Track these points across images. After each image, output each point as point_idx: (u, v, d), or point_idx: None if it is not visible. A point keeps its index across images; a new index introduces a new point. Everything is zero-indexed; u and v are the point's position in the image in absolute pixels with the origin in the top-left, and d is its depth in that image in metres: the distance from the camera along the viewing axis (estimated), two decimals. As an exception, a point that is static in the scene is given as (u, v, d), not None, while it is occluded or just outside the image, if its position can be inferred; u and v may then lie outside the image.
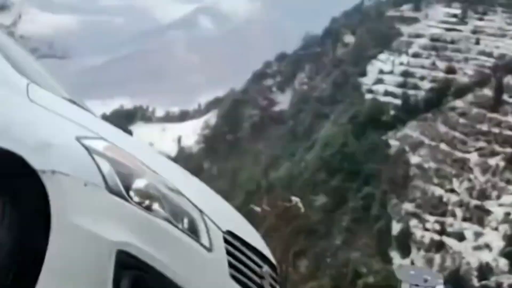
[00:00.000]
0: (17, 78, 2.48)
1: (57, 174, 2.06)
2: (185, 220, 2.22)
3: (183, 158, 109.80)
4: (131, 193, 2.11)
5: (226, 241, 2.30)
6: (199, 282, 2.17)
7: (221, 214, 2.47)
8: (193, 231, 2.21)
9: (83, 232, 2.02)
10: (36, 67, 3.06)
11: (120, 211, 2.08)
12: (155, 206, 2.15)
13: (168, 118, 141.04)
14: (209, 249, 2.22)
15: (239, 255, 2.36)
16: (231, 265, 2.28)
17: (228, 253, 2.29)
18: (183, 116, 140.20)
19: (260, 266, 2.50)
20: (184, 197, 2.24)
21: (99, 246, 2.02)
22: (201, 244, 2.20)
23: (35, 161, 2.07)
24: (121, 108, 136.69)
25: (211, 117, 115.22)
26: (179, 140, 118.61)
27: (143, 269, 2.06)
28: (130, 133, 2.85)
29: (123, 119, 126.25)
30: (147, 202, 2.13)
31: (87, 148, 2.13)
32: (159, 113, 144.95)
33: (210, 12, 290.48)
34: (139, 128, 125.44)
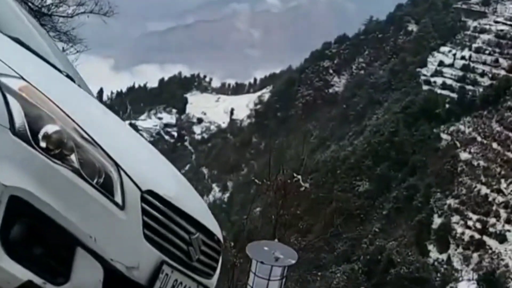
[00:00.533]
0: None
1: None
2: (99, 174, 2.08)
3: (234, 130, 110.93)
4: (39, 138, 1.98)
5: (145, 201, 2.18)
6: (106, 239, 2.05)
7: (151, 175, 2.34)
8: (106, 186, 2.08)
9: None
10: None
11: (21, 155, 1.95)
12: (67, 155, 2.01)
13: (224, 89, 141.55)
14: (121, 207, 2.10)
15: (160, 217, 2.24)
16: (147, 226, 2.18)
17: (146, 214, 2.18)
18: (238, 89, 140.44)
19: (190, 233, 2.40)
20: (101, 149, 2.10)
21: None
22: (112, 201, 2.09)
23: None
24: (178, 75, 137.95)
25: (265, 93, 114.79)
26: (231, 112, 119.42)
27: (40, 219, 1.93)
28: (72, 79, 2.70)
29: (180, 86, 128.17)
30: (56, 150, 1.99)
31: (0, 86, 2.00)
32: (215, 83, 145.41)
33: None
34: (194, 96, 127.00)
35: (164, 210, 2.29)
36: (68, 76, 2.73)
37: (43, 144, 1.99)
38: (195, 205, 2.66)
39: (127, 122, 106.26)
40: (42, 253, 1.95)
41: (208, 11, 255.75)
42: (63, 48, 12.45)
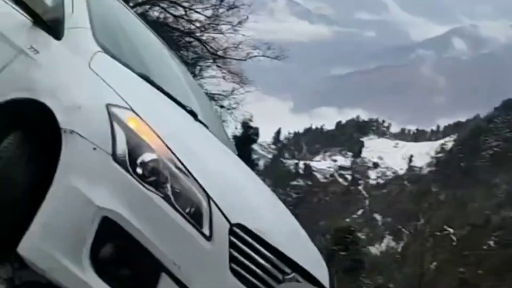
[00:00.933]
0: (90, 46, 2.61)
1: (74, 135, 2.17)
2: (191, 204, 2.19)
3: (412, 178, 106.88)
4: (137, 165, 2.14)
5: (233, 234, 2.24)
6: (191, 269, 2.14)
7: (245, 210, 2.41)
8: (195, 217, 2.17)
9: (76, 192, 2.08)
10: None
11: (118, 180, 2.11)
12: (162, 183, 2.15)
13: (403, 135, 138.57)
14: (208, 238, 2.18)
15: (248, 251, 2.28)
16: (234, 259, 2.23)
17: (234, 247, 2.23)
18: (419, 136, 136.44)
19: (283, 272, 2.40)
20: (194, 180, 2.21)
21: (86, 209, 2.06)
22: (200, 231, 2.17)
23: (61, 119, 2.20)
24: (356, 118, 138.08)
25: (448, 142, 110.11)
26: (410, 159, 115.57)
27: (128, 241, 2.05)
28: (194, 115, 2.90)
29: (357, 129, 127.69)
30: (152, 178, 2.14)
31: (110, 115, 2.20)
32: (394, 129, 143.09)
33: (466, 35, 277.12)
34: (371, 141, 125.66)
35: (253, 245, 2.33)
36: (190, 111, 2.92)
37: (139, 171, 2.16)
38: (298, 248, 2.67)
39: (302, 162, 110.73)
40: (128, 275, 2.09)
41: (393, 57, 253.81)
42: (232, 88, 14.31)
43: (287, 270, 2.44)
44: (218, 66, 14.81)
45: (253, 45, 14.51)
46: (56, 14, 2.71)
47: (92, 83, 2.39)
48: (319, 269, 2.82)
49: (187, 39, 14.13)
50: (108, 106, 2.24)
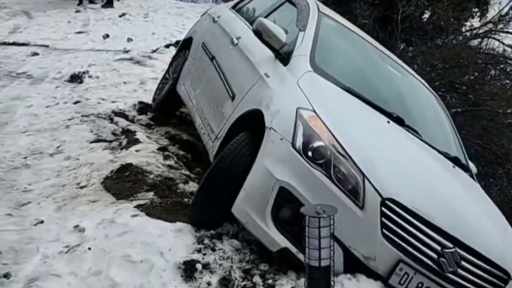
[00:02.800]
0: (303, 68, 3.50)
1: (271, 130, 3.00)
2: (349, 181, 2.83)
3: None
4: (308, 150, 2.87)
5: (386, 206, 2.82)
6: (345, 230, 2.75)
7: (405, 191, 2.93)
8: (352, 191, 2.81)
9: (265, 169, 2.91)
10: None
11: (294, 161, 2.86)
12: (326, 164, 2.84)
13: None
14: (361, 207, 2.79)
15: (401, 222, 2.84)
16: (387, 227, 2.81)
17: (386, 217, 2.81)
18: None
19: (443, 246, 2.88)
20: (353, 162, 2.87)
21: (269, 180, 2.87)
22: (354, 202, 2.79)
23: (267, 120, 3.08)
24: None
25: None
26: None
27: (298, 205, 2.67)
28: (400, 120, 3.65)
29: None
30: (319, 160, 2.85)
31: (297, 115, 2.99)
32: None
33: None
34: None
35: (406, 218, 2.85)
36: (396, 117, 3.59)
37: (310, 154, 2.86)
38: (479, 233, 3.10)
39: None
40: (298, 231, 2.67)
41: None
42: None
43: (447, 244, 2.91)
44: None
45: None
46: (289, 47, 3.72)
47: (293, 94, 3.23)
48: (503, 254, 3.13)
49: None
50: (298, 109, 3.02)
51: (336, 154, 2.88)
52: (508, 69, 13.96)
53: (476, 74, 11.94)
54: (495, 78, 13.51)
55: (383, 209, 2.82)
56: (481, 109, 10.70)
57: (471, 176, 4.05)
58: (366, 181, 2.85)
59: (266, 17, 4.55)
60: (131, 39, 10.12)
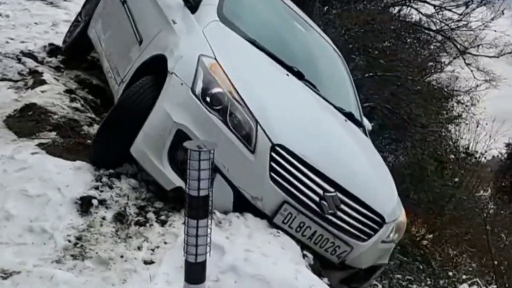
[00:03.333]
0: (210, 17, 3.58)
1: (173, 75, 3.08)
2: (243, 126, 2.97)
3: None
4: (206, 95, 2.98)
5: (275, 151, 2.99)
6: (236, 172, 2.95)
7: (295, 138, 3.08)
8: (245, 137, 2.96)
9: (164, 111, 2.99)
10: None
11: (192, 105, 2.97)
12: (223, 110, 2.96)
13: None
14: (252, 151, 2.95)
15: (287, 166, 3.01)
16: (274, 170, 2.98)
17: (274, 161, 2.98)
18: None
19: (324, 190, 3.08)
20: (247, 109, 3.01)
21: (168, 122, 2.96)
22: (246, 146, 2.95)
23: (170, 64, 3.15)
24: None
25: None
26: None
27: None
28: (299, 74, 3.85)
29: None
30: (217, 106, 2.97)
31: (198, 61, 3.08)
32: None
33: None
34: None
35: (293, 163, 3.02)
36: (296, 71, 3.77)
37: (208, 99, 2.97)
38: (360, 181, 3.33)
39: None
40: None
41: None
42: (476, 85, 13.59)
43: (328, 188, 3.12)
44: (467, 64, 13.78)
45: (506, 42, 13.97)
46: None
47: (197, 41, 3.31)
48: (383, 203, 3.42)
49: (439, 38, 13.58)
50: (200, 56, 3.12)
51: (233, 101, 3.00)
52: (423, 38, 14.58)
53: (393, 41, 12.42)
54: (410, 46, 14.09)
55: (272, 154, 2.99)
56: (392, 75, 11.18)
57: (364, 132, 4.33)
58: (259, 128, 3.00)
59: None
60: (46, -20, 9.68)
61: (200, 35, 3.40)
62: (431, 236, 13.28)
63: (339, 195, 3.16)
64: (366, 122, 4.56)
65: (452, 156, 14.24)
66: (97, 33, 4.81)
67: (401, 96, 11.60)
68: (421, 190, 13.05)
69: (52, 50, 5.67)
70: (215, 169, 2.67)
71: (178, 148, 2.92)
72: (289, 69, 3.75)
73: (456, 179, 13.66)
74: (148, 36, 3.74)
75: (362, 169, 3.56)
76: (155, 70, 3.33)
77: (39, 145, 3.54)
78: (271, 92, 3.32)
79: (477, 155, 14.32)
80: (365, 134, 4.33)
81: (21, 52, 5.44)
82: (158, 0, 3.99)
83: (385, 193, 3.62)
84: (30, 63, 5.21)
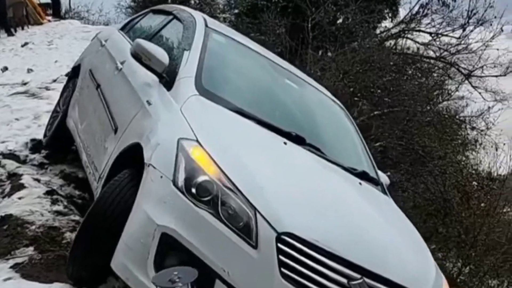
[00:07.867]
0: (188, 91, 3.13)
1: (150, 167, 2.63)
2: (240, 218, 2.46)
3: None
4: (191, 186, 2.48)
5: (282, 242, 2.43)
6: (239, 274, 2.39)
7: (299, 219, 2.55)
8: (244, 229, 2.44)
9: (144, 214, 2.51)
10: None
11: (175, 201, 2.47)
12: (213, 201, 2.46)
13: None
14: (254, 246, 2.41)
15: (300, 257, 2.45)
16: (285, 265, 2.41)
17: (283, 254, 2.42)
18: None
19: (349, 278, 2.52)
20: (242, 196, 2.49)
21: (149, 226, 2.46)
22: (246, 241, 2.41)
23: (146, 155, 2.72)
24: None
25: None
26: None
27: (184, 253, 2.38)
28: (301, 139, 3.29)
29: None
30: (205, 197, 2.47)
31: (178, 147, 2.62)
32: None
33: None
34: None
35: (307, 252, 2.46)
36: (295, 136, 3.26)
37: (193, 191, 2.47)
38: (390, 258, 2.79)
39: None
40: None
41: None
42: (488, 107, 12.98)
43: (353, 275, 2.55)
44: (474, 87, 13.52)
45: (510, 59, 13.65)
46: (173, 69, 3.32)
47: (175, 123, 2.85)
48: (418, 277, 2.89)
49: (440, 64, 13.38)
50: (179, 140, 2.65)
51: (223, 188, 2.51)
52: (424, 67, 14.22)
53: (394, 75, 12.05)
54: (412, 78, 13.72)
55: (280, 245, 2.44)
56: (398, 110, 10.75)
57: (383, 189, 3.79)
58: (258, 215, 2.47)
59: (153, 37, 4.18)
60: (32, 70, 9.50)
61: (178, 115, 2.93)
62: (467, 269, 12.61)
63: (368, 280, 2.60)
64: (382, 175, 4.03)
65: (475, 183, 13.65)
66: (74, 123, 4.41)
67: (412, 130, 11.14)
68: (450, 223, 12.46)
69: (35, 145, 5.30)
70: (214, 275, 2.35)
71: (166, 256, 2.43)
72: (287, 135, 3.24)
73: (483, 204, 13.09)
74: (123, 123, 3.30)
75: (390, 242, 2.99)
76: (134, 163, 2.85)
77: (14, 266, 3.08)
78: (268, 168, 2.81)
79: (501, 178, 13.77)
80: (384, 191, 3.78)
81: (1, 153, 5.07)
82: (132, 80, 3.57)
83: (421, 265, 3.04)
84: (10, 164, 4.81)
